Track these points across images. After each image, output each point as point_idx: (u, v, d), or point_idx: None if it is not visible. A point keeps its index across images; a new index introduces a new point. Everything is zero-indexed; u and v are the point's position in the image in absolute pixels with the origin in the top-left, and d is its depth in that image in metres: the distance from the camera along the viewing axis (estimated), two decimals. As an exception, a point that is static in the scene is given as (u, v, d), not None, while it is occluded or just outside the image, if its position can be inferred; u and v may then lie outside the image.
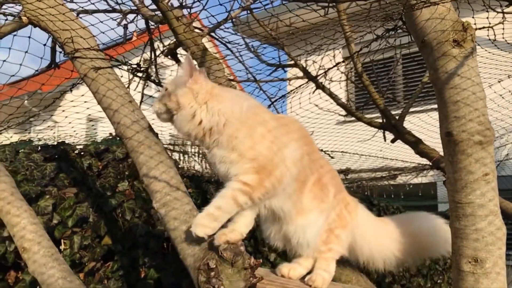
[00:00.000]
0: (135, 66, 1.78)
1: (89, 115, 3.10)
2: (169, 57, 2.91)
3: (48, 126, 4.30)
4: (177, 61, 2.91)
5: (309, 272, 1.67)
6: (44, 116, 3.35)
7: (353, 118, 3.65)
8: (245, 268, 1.34)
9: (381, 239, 1.77)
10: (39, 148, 2.81)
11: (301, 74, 3.45)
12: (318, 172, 1.64)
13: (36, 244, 1.62)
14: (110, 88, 1.54)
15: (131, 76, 1.94)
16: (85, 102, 2.80)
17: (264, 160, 1.42)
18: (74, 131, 3.76)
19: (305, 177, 1.57)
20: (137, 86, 2.30)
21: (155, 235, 3.00)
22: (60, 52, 2.27)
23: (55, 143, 2.93)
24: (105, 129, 4.20)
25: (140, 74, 1.81)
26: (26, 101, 3.59)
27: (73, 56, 1.53)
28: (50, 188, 2.51)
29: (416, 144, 3.32)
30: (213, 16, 2.02)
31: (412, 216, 1.88)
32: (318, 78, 3.39)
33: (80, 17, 1.84)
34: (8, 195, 1.72)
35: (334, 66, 3.13)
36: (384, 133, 3.54)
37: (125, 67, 1.80)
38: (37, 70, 2.48)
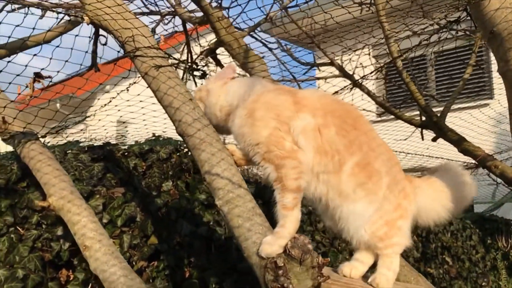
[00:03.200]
0: (190, 64, 1.78)
1: (120, 116, 3.13)
2: (209, 57, 2.92)
3: (81, 130, 4.37)
4: (217, 61, 2.91)
5: (373, 267, 1.62)
6: (76, 119, 3.41)
7: (385, 117, 3.57)
8: (313, 266, 1.31)
9: (437, 203, 1.68)
10: (86, 148, 2.85)
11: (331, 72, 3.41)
12: (363, 154, 1.54)
13: (97, 242, 1.63)
14: (171, 86, 1.54)
15: (187, 75, 1.95)
16: (116, 106, 2.84)
17: (267, 143, 1.42)
18: (107, 132, 3.80)
19: (335, 153, 1.50)
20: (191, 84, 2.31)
21: (200, 235, 3.01)
22: (100, 58, 2.31)
23: (101, 143, 2.97)
24: (135, 131, 4.24)
25: (196, 73, 1.82)
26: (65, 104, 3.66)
27: (134, 54, 1.54)
28: (99, 188, 2.54)
29: (459, 142, 3.22)
30: (250, 18, 2.01)
31: (447, 167, 1.78)
32: (356, 77, 3.34)
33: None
34: (68, 193, 1.74)
35: (380, 67, 3.06)
36: (421, 131, 3.45)
37: (181, 66, 1.80)
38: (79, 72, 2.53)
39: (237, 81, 1.61)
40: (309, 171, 1.47)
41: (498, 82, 3.70)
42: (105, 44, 2.19)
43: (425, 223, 1.71)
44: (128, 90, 2.28)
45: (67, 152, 2.83)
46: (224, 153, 1.50)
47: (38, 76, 1.93)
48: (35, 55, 1.78)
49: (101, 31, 1.96)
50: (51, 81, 1.99)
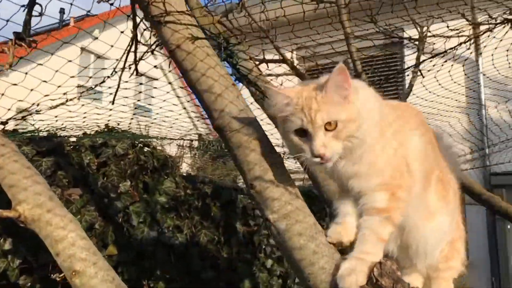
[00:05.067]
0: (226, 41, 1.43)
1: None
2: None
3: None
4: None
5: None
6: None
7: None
8: (401, 298, 1.07)
9: None
10: (29, 140, 2.32)
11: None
12: (440, 166, 1.39)
13: (92, 266, 1.23)
14: (211, 66, 1.19)
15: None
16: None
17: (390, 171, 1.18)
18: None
19: (430, 171, 1.32)
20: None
21: (163, 243, 2.63)
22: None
23: (46, 134, 2.45)
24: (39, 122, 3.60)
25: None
26: None
27: (164, 20, 1.16)
28: (53, 189, 2.06)
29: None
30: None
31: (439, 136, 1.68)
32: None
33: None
34: (46, 200, 1.31)
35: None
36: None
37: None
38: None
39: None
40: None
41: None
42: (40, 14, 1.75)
43: None
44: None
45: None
46: (276, 154, 1.20)
47: (19, 38, 1.44)
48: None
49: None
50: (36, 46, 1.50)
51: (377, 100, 1.20)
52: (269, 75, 3.28)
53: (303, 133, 1.13)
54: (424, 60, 3.57)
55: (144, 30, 1.97)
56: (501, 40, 2.84)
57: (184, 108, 6.71)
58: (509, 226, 6.28)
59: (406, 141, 1.25)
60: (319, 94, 1.12)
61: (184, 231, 2.92)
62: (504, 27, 2.56)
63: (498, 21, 2.44)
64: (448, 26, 3.68)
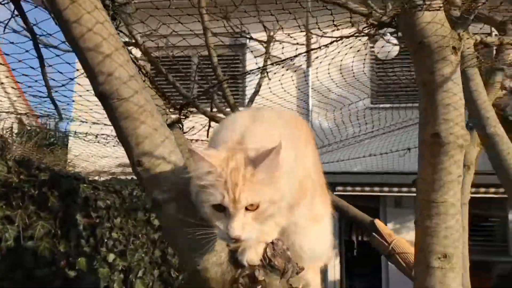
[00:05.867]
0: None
1: None
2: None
3: None
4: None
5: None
6: None
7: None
8: (291, 277, 1.08)
9: None
10: None
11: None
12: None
13: None
14: (100, 21, 1.00)
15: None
16: None
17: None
18: None
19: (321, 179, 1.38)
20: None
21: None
22: None
23: None
24: None
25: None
26: None
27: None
28: None
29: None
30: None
31: None
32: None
33: None
34: None
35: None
36: (209, 123, 3.48)
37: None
38: None
39: None
40: None
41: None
42: None
43: None
44: None
45: None
46: (166, 129, 1.10)
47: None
48: None
49: None
50: None
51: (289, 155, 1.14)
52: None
53: (220, 207, 1.02)
54: (266, 65, 3.78)
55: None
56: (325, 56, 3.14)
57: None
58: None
59: (306, 158, 1.27)
60: (248, 169, 1.02)
61: (16, 223, 2.53)
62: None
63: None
64: (289, 34, 3.97)
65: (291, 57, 3.26)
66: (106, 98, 1.04)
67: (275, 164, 1.02)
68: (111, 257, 3.42)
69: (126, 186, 4.10)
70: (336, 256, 8.83)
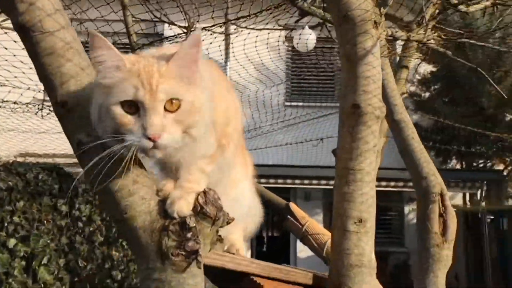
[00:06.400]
0: None
1: None
2: None
3: None
4: None
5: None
6: None
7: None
8: (221, 226, 1.08)
9: None
10: None
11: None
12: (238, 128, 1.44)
13: None
14: None
15: None
16: None
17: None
18: None
19: (241, 133, 1.38)
20: None
21: None
22: None
23: None
24: None
25: None
26: None
27: None
28: None
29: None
30: None
31: None
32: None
33: None
34: None
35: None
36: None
37: None
38: None
39: None
40: None
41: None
42: None
43: None
44: None
45: None
46: (93, 70, 1.03)
47: None
48: None
49: None
50: None
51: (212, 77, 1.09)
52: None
53: (133, 107, 0.88)
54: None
55: None
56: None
57: None
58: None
59: (228, 103, 1.25)
60: (161, 63, 0.91)
61: None
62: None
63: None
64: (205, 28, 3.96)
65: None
66: (26, 30, 0.95)
67: (193, 58, 0.92)
68: (11, 242, 3.16)
69: (31, 170, 3.81)
70: (247, 250, 8.97)
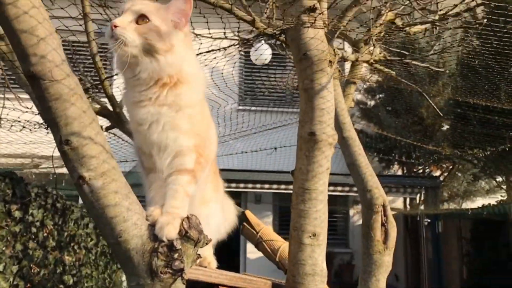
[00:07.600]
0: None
1: None
2: None
3: None
4: None
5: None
6: None
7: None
8: (201, 247, 1.26)
9: None
10: None
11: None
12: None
13: None
14: (36, 5, 1.03)
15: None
16: None
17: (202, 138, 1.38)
18: None
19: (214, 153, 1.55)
20: None
21: None
22: None
23: None
24: None
25: None
26: None
27: None
28: None
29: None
30: None
31: None
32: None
33: None
34: None
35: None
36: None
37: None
38: None
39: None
40: None
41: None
42: None
43: None
44: None
45: None
46: (92, 112, 1.18)
47: None
48: None
49: None
50: None
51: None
52: None
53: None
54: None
55: None
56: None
57: None
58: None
59: (213, 125, 1.46)
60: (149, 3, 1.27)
61: None
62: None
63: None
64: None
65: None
66: (36, 78, 1.08)
67: (180, 9, 1.26)
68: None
69: (-19, 176, 3.78)
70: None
